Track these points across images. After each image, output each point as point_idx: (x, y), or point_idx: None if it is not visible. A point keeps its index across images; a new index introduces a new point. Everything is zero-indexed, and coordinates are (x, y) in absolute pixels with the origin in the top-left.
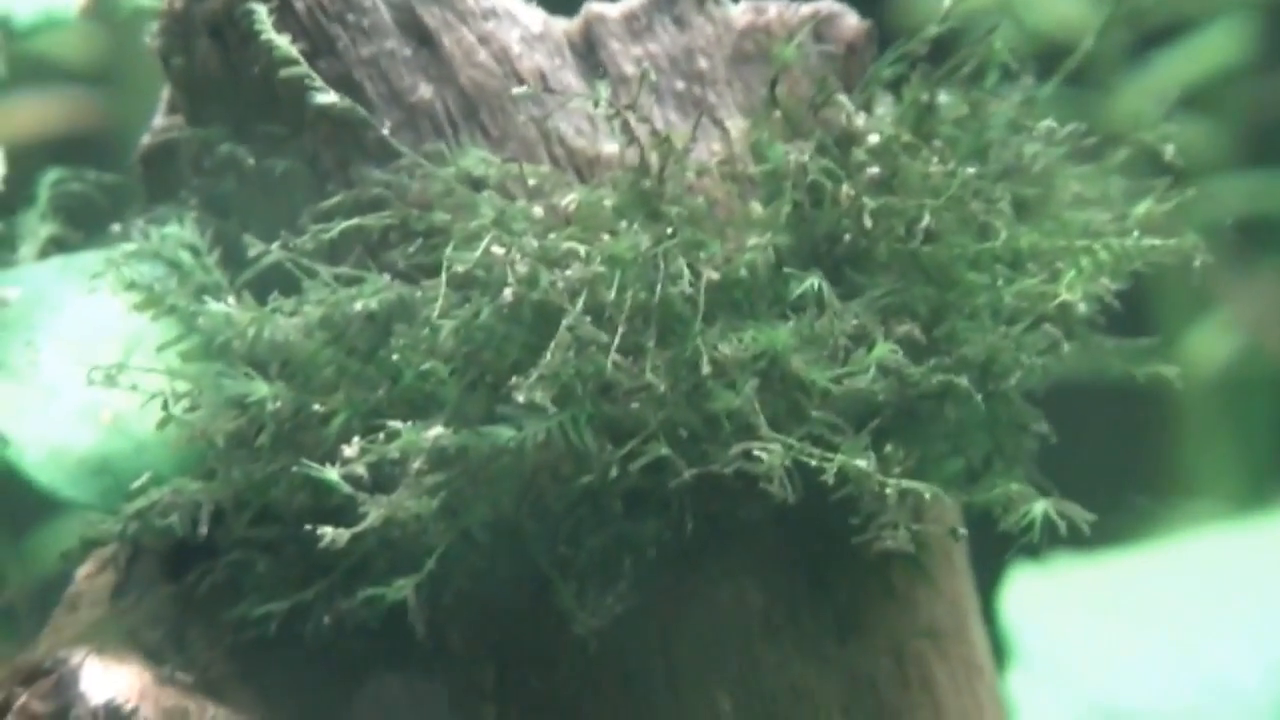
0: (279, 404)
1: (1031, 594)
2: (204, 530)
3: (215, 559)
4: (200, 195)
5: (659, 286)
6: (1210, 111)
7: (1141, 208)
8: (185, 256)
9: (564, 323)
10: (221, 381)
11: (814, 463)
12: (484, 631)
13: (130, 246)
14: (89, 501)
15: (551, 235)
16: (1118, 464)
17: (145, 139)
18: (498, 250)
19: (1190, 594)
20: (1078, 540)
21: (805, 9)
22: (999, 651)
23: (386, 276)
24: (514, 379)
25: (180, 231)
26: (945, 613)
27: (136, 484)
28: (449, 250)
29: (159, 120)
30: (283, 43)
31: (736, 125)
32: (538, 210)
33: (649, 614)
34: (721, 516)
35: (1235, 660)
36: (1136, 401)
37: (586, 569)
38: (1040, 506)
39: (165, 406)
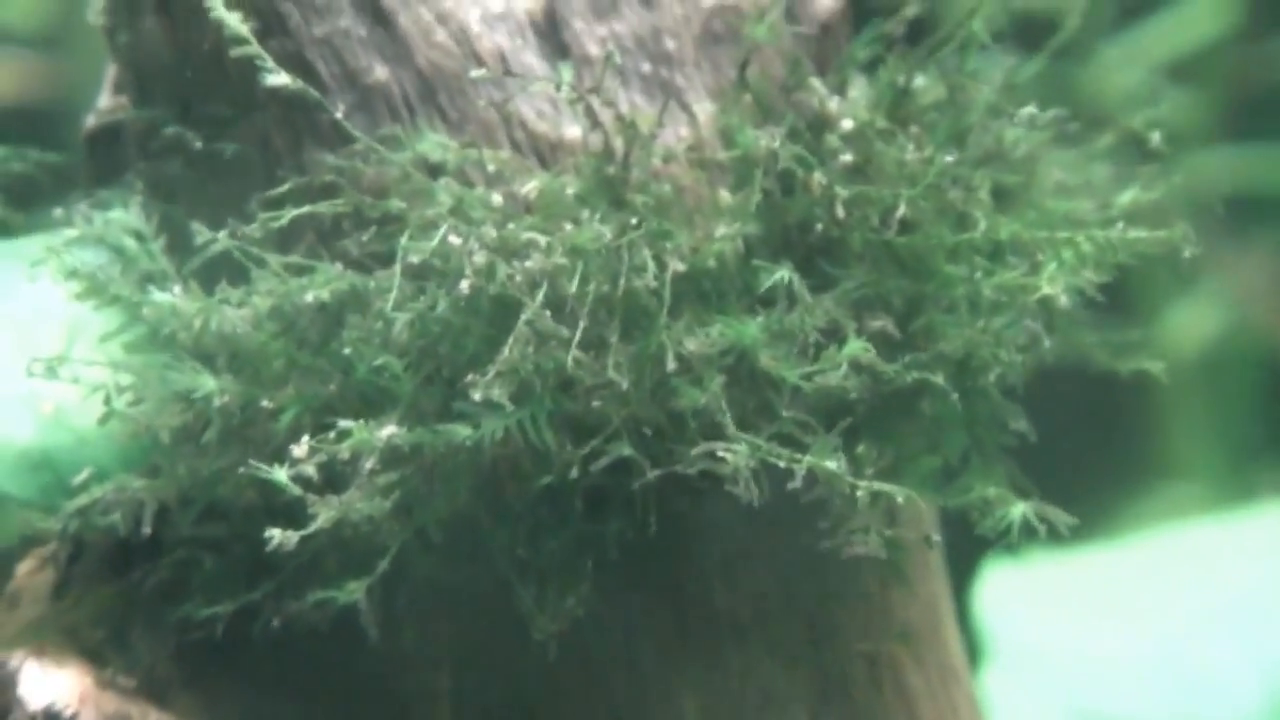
0: (226, 399)
1: (1007, 590)
2: (147, 529)
3: (160, 557)
4: (146, 178)
5: (623, 279)
6: (1195, 82)
7: (1126, 196)
8: (130, 243)
9: (523, 316)
10: (167, 374)
11: (782, 464)
12: (439, 634)
13: (73, 232)
14: (28, 497)
15: (511, 224)
16: (1097, 444)
17: (90, 119)
18: (455, 240)
19: (1173, 589)
20: (1056, 532)
21: None
22: (973, 650)
23: (339, 265)
24: (471, 375)
25: (125, 216)
26: (920, 615)
27: (78, 479)
28: (404, 239)
29: (104, 100)
30: (232, 20)
31: (705, 109)
32: (497, 198)
33: (612, 615)
34: (687, 516)
35: (1221, 660)
36: (1117, 379)
37: (547, 570)
38: (1019, 509)
39: (108, 400)
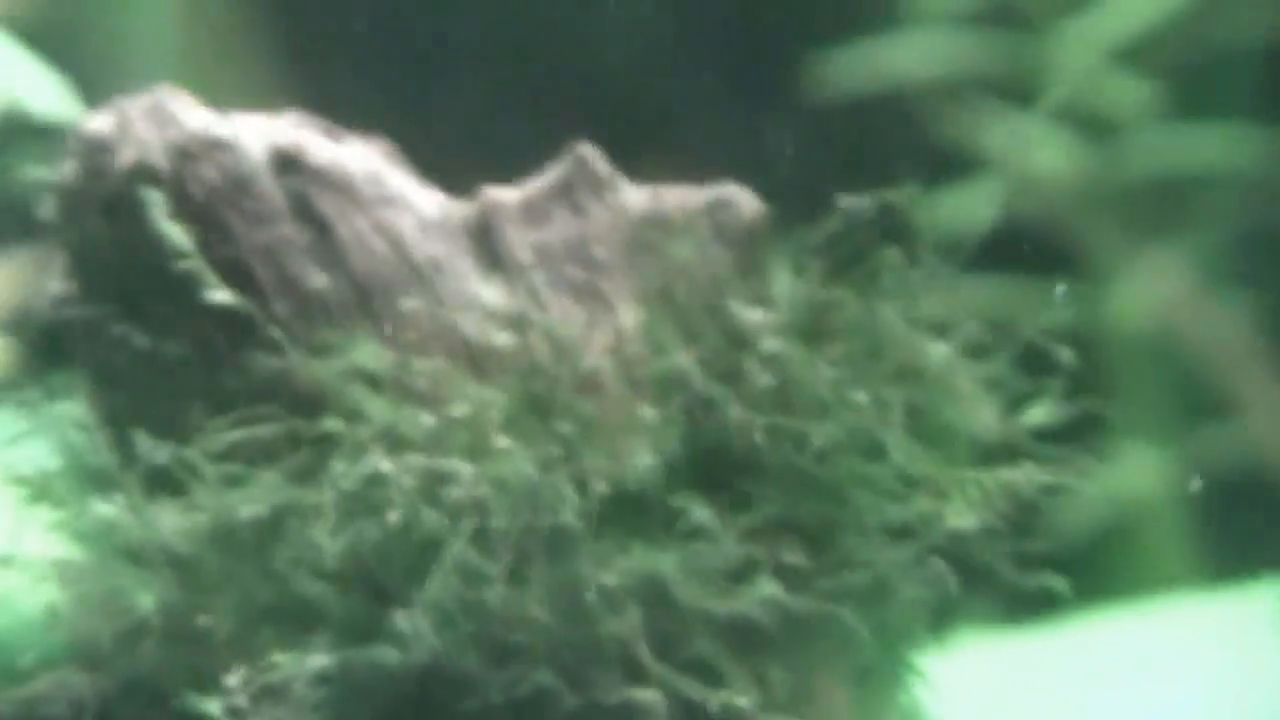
0: (164, 610)
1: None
2: None
3: None
4: (93, 371)
5: (546, 512)
6: (1146, 63)
7: (1037, 414)
8: (76, 436)
9: (448, 551)
10: (107, 576)
11: (697, 699)
12: None
13: (22, 424)
14: None
15: (439, 447)
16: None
17: (41, 307)
18: (385, 467)
19: (1107, 680)
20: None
21: (703, 196)
22: None
23: (276, 476)
24: (398, 607)
25: (73, 409)
26: None
27: (22, 664)
28: (337, 464)
29: (55, 285)
30: (174, 232)
31: (631, 319)
32: (427, 419)
33: None
34: None
35: None
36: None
37: None
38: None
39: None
